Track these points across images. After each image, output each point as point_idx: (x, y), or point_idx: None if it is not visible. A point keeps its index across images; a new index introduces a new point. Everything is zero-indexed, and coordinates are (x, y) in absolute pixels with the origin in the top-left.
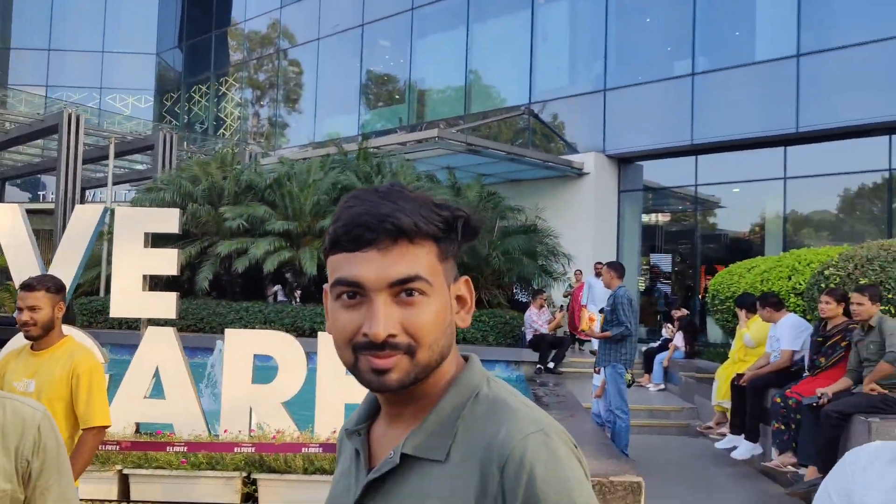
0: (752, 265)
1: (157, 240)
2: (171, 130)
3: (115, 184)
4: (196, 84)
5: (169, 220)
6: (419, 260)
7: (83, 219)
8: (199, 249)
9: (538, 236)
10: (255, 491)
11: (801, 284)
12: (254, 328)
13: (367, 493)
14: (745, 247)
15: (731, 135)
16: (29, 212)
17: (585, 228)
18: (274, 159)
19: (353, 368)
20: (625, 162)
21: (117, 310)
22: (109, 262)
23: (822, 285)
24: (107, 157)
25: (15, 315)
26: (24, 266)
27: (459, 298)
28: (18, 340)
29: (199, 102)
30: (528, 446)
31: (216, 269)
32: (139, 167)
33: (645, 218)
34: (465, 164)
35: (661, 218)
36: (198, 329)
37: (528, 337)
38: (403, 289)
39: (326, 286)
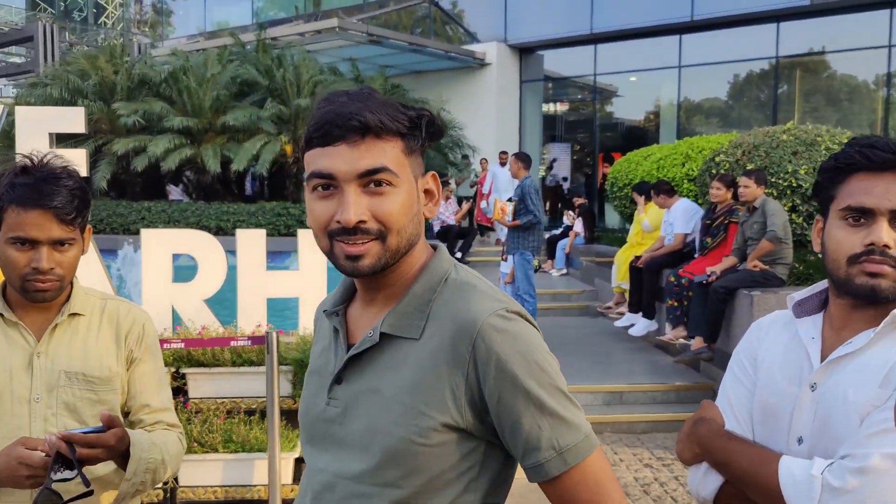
0: (648, 153)
1: (58, 140)
2: (50, 20)
3: None
4: None
5: (75, 119)
6: (386, 153)
7: None
8: (94, 148)
9: None
10: (185, 385)
11: (693, 171)
12: (156, 228)
13: (347, 367)
14: (640, 134)
15: (629, 24)
16: None
17: (488, 119)
18: (165, 51)
19: (330, 255)
20: (526, 52)
21: None
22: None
23: (713, 171)
24: None
25: None
26: None
27: (427, 192)
28: None
29: None
30: (494, 322)
31: (113, 168)
32: (15, 59)
33: (545, 108)
34: (367, 55)
35: (561, 107)
36: (98, 231)
37: (436, 229)
38: (372, 179)
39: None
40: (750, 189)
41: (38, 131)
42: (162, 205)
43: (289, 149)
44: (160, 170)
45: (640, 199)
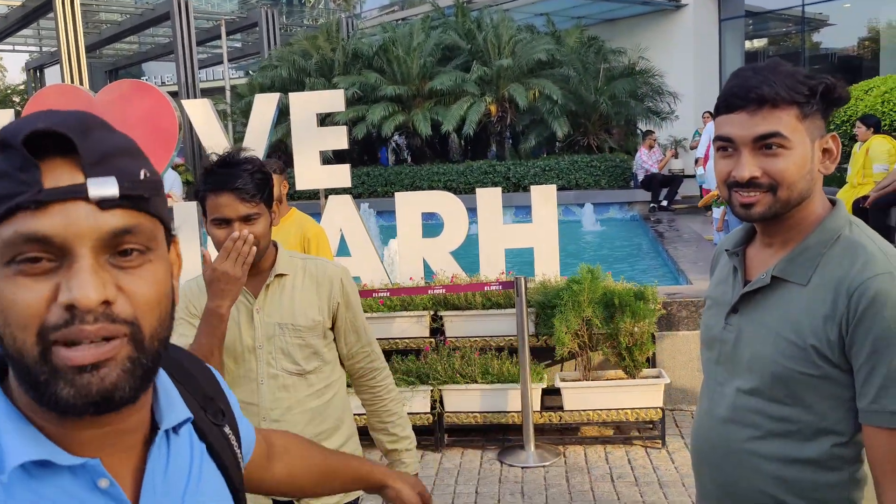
0: (869, 86)
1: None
2: (270, 7)
3: (215, 64)
4: None
5: (336, 100)
6: (780, 120)
7: (262, 107)
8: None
9: (642, 77)
10: (442, 326)
11: None
12: (376, 191)
13: (742, 301)
14: (856, 65)
15: None
16: None
17: (685, 63)
18: (370, 23)
19: (728, 201)
20: None
21: (302, 183)
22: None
23: None
24: (209, 40)
25: None
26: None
27: (826, 151)
28: None
29: None
30: (877, 283)
31: None
32: (237, 45)
33: (748, 45)
34: (559, 8)
35: (764, 44)
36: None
37: (640, 177)
38: (765, 143)
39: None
40: None
41: (307, 113)
42: (379, 169)
43: (493, 109)
44: (371, 137)
45: (867, 133)
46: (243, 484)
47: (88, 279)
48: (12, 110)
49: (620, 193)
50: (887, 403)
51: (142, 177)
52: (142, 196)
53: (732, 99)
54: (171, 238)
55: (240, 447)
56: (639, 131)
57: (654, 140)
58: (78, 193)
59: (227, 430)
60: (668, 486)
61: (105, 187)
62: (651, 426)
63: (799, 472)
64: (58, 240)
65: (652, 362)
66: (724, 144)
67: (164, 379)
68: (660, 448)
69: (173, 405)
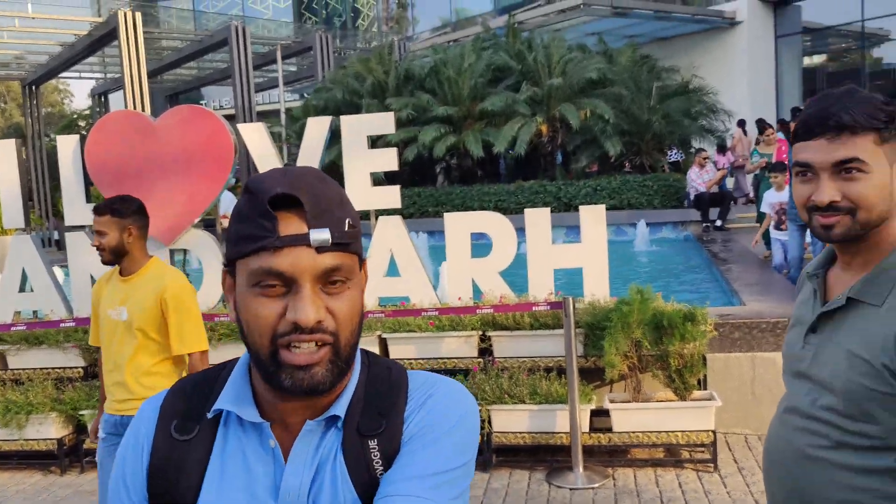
0: None
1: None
2: (321, 29)
3: (271, 87)
4: None
5: (386, 123)
6: (857, 146)
7: (314, 130)
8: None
9: (696, 95)
10: (490, 346)
11: None
12: (426, 211)
13: (820, 320)
14: None
15: None
16: None
17: (739, 80)
18: (420, 45)
19: (809, 225)
20: (781, 4)
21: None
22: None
23: None
24: (265, 64)
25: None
26: None
27: None
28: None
29: None
30: None
31: None
32: (292, 69)
33: (806, 61)
34: (610, 28)
35: (823, 60)
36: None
37: (692, 197)
38: (844, 167)
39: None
40: None
41: (359, 135)
42: (430, 190)
43: (544, 128)
44: (423, 157)
45: None
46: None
47: (308, 304)
48: (77, 136)
49: (674, 213)
50: None
51: (346, 227)
52: (347, 242)
53: (812, 125)
54: (362, 263)
55: (385, 461)
56: (691, 150)
57: (706, 159)
58: (303, 241)
59: (372, 443)
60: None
61: (322, 235)
62: (702, 449)
63: (869, 480)
64: (287, 274)
65: (703, 384)
66: (804, 170)
67: (353, 382)
68: (711, 472)
69: (340, 401)
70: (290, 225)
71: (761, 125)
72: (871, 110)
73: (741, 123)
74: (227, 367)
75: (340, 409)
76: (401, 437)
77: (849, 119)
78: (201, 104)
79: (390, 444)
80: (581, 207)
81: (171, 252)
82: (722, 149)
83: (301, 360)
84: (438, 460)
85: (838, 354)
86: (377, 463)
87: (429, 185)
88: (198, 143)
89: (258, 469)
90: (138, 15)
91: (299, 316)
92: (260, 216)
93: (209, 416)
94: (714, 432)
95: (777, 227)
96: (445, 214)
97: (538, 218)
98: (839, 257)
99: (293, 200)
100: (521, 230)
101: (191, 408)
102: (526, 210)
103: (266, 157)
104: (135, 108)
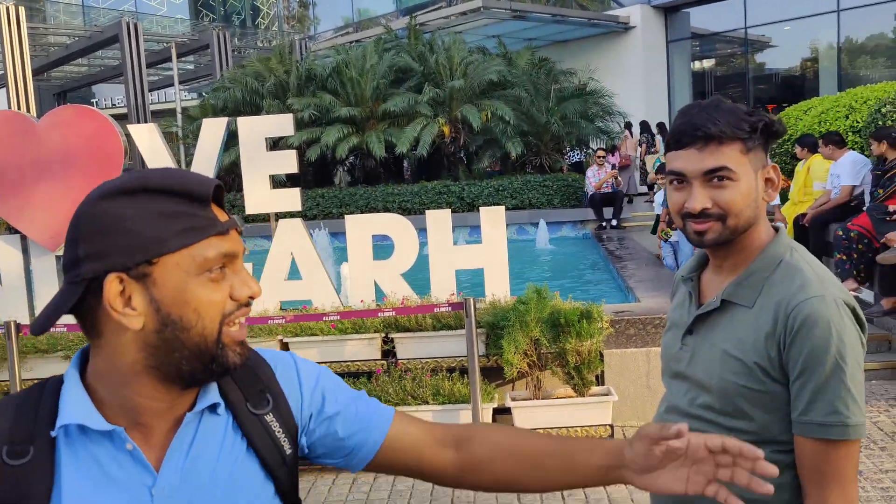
0: (808, 107)
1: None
2: (218, 27)
3: (167, 86)
4: None
5: (285, 125)
6: (725, 155)
7: (210, 132)
8: (271, 143)
9: (593, 97)
10: (393, 348)
11: (858, 122)
12: (330, 213)
13: (695, 323)
14: (797, 84)
15: None
16: None
17: (635, 83)
18: (322, 45)
19: (683, 230)
20: (671, 11)
21: (251, 207)
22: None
23: (879, 122)
24: (160, 62)
25: None
26: None
27: (768, 180)
28: None
29: None
30: (810, 305)
31: None
32: (189, 67)
33: (695, 65)
34: (510, 30)
35: (710, 64)
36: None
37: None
38: (714, 175)
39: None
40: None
41: (256, 138)
42: (333, 191)
43: (446, 130)
44: (326, 158)
45: (804, 153)
46: (290, 466)
47: (251, 277)
48: None
49: (573, 212)
50: (814, 416)
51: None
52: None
53: (681, 136)
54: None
55: (287, 433)
56: (590, 150)
57: (602, 157)
58: (234, 224)
59: (269, 417)
60: (616, 503)
61: (237, 222)
62: None
63: None
64: (236, 254)
65: (601, 380)
66: (677, 178)
67: None
68: None
69: (207, 392)
70: (217, 213)
71: (646, 127)
72: (736, 121)
73: (628, 126)
74: (46, 386)
75: (214, 396)
76: (289, 406)
77: (715, 130)
78: (92, 103)
79: (284, 414)
80: (481, 209)
81: (58, 258)
82: (613, 149)
83: (243, 335)
84: (345, 386)
85: (714, 354)
86: (279, 433)
87: (332, 186)
88: (81, 145)
89: (119, 474)
90: (21, 9)
91: (254, 288)
92: (200, 208)
93: (53, 434)
94: (612, 426)
95: (669, 226)
96: (346, 217)
97: (439, 219)
98: (711, 261)
99: (217, 193)
100: (424, 230)
101: (18, 430)
102: (427, 212)
103: (158, 158)
104: (18, 107)
